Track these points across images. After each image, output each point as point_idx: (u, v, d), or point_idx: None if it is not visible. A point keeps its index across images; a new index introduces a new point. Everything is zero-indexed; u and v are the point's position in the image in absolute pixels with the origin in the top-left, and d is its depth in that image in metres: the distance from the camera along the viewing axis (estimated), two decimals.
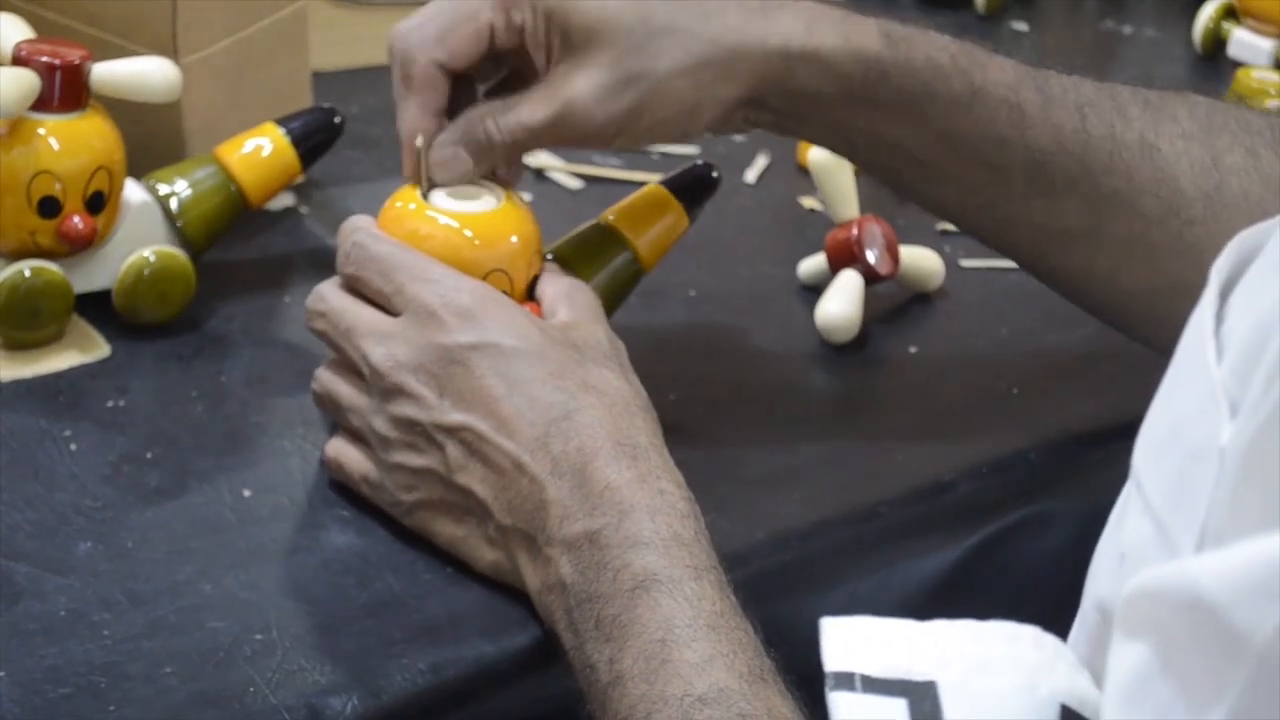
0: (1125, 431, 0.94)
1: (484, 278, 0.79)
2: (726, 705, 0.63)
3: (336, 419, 0.80)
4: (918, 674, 0.57)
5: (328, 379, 0.80)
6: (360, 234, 0.80)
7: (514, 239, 0.82)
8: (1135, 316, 0.87)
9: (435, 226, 0.81)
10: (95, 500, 0.78)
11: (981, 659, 0.58)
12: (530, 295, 0.83)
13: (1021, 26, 1.55)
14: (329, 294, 0.80)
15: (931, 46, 0.84)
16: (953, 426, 0.93)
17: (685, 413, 0.90)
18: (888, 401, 0.95)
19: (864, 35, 0.83)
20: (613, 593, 0.68)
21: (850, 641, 0.59)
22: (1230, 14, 1.50)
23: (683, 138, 0.86)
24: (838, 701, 0.56)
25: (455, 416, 0.74)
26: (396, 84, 0.84)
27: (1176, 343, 0.56)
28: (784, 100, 0.84)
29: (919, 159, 0.86)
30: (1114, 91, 0.87)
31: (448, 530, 0.76)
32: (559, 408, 0.73)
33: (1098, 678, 0.57)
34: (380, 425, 0.77)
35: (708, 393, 0.93)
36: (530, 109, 0.82)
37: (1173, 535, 0.52)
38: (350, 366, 0.79)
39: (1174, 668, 0.48)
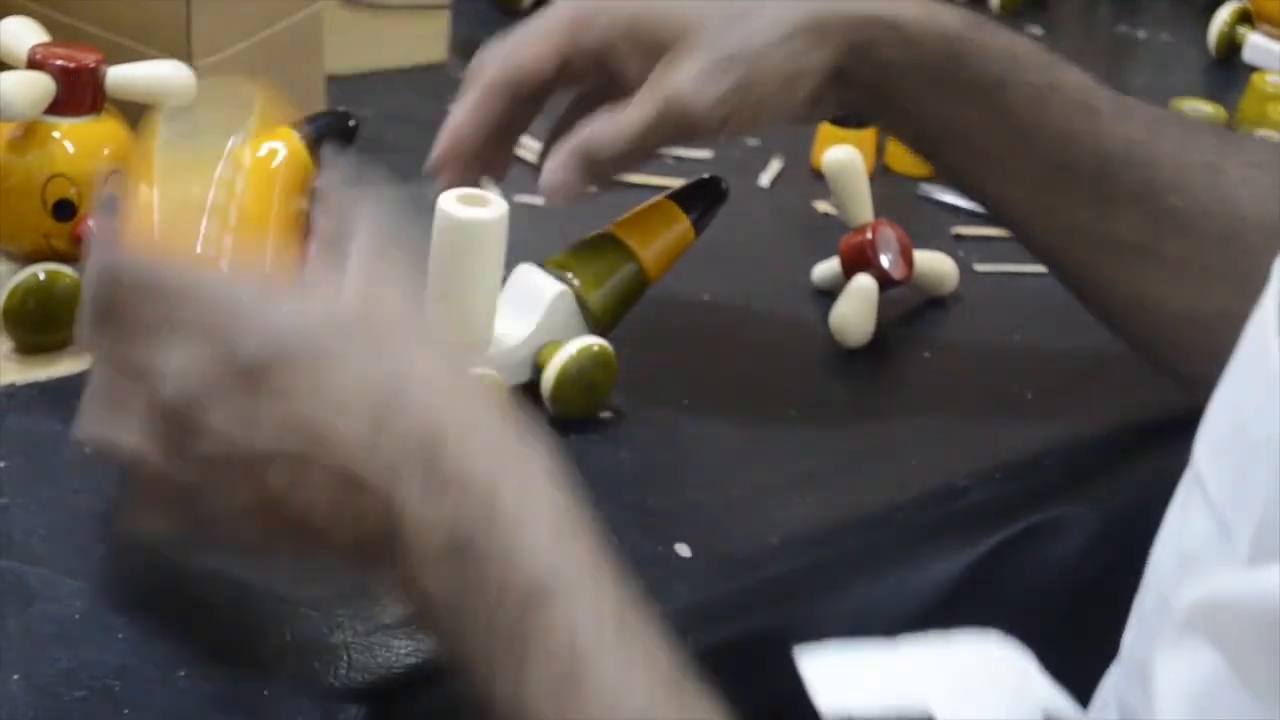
0: (1140, 436, 0.94)
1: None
2: None
3: (130, 472, 0.67)
4: (911, 707, 0.57)
5: (108, 426, 0.67)
6: (106, 256, 0.67)
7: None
8: (1176, 342, 0.87)
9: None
10: (109, 504, 0.78)
11: (965, 681, 0.58)
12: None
13: (1036, 31, 1.54)
14: (91, 331, 0.67)
15: (1013, 39, 0.85)
16: (967, 431, 0.93)
17: (699, 417, 0.90)
18: (902, 406, 0.95)
19: (944, 14, 0.84)
20: (498, 609, 0.60)
21: (836, 680, 0.58)
22: (1245, 18, 1.50)
23: (785, 115, 0.85)
24: None
25: (264, 442, 0.62)
26: (460, 93, 0.85)
27: (1208, 376, 0.55)
28: (870, 72, 0.84)
29: (988, 152, 0.86)
30: (1183, 116, 0.87)
31: (290, 567, 0.69)
32: (383, 392, 0.62)
33: (1147, 659, 0.56)
34: (187, 472, 0.65)
35: (721, 397, 0.92)
36: (634, 111, 0.82)
37: (1233, 531, 0.52)
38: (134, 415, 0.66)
39: (1247, 677, 0.48)
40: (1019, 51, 0.85)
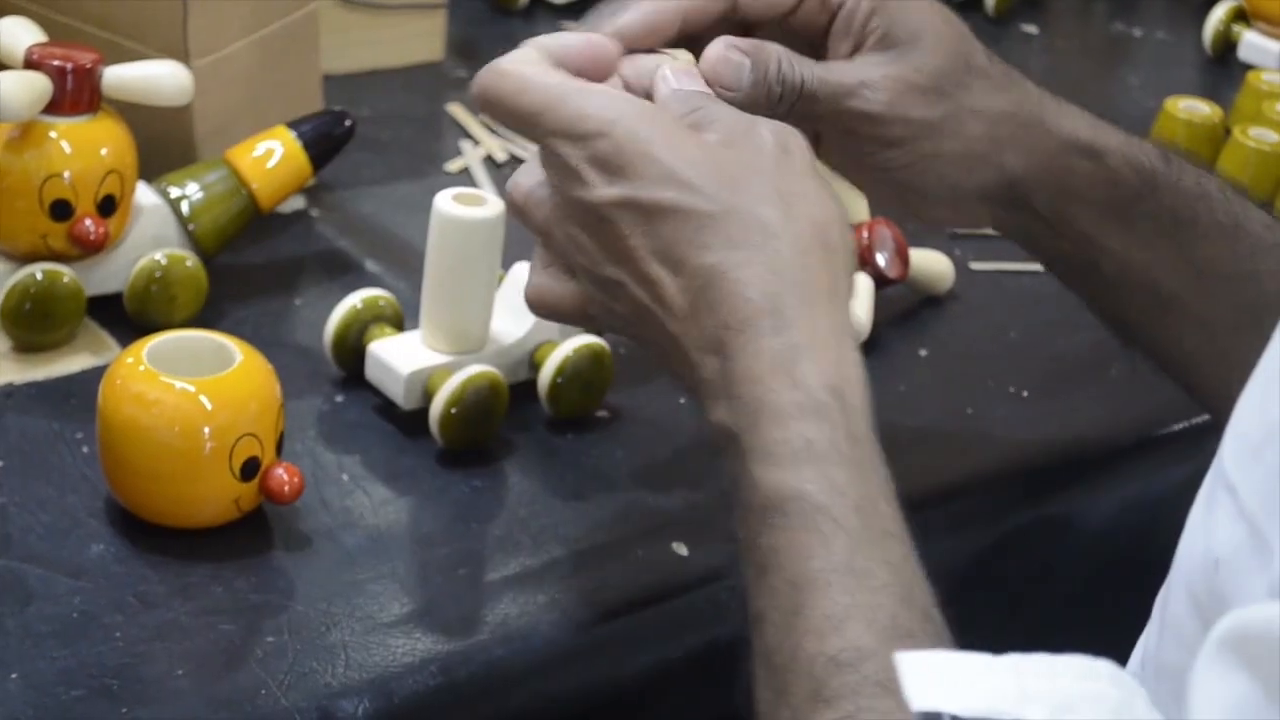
0: (1135, 435, 0.94)
1: (232, 446, 0.75)
2: (862, 670, 0.58)
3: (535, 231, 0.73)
4: (1003, 712, 0.56)
5: (544, 212, 0.72)
6: (488, 76, 0.71)
7: (258, 400, 0.76)
8: None
9: (168, 393, 0.75)
10: (107, 503, 0.78)
11: (1064, 697, 0.56)
12: (279, 449, 0.77)
13: (1031, 29, 1.54)
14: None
15: (1200, 174, 0.82)
16: (963, 429, 0.93)
17: (695, 415, 0.90)
18: (898, 404, 0.95)
19: (1141, 146, 0.81)
20: (749, 506, 0.63)
21: (932, 678, 0.57)
22: (1241, 16, 1.50)
23: (941, 189, 0.80)
24: None
25: (608, 272, 0.69)
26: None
27: None
28: (1049, 198, 0.80)
29: (1167, 292, 0.81)
30: None
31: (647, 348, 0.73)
32: (705, 273, 0.66)
33: (1184, 671, 0.56)
34: (571, 255, 0.71)
35: None
36: (828, 69, 0.77)
37: (1268, 540, 0.52)
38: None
39: (1276, 709, 0.48)
40: (1209, 189, 0.81)
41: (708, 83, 0.74)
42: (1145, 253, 0.81)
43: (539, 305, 0.74)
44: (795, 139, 0.70)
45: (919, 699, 0.55)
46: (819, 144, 0.80)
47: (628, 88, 0.74)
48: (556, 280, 0.73)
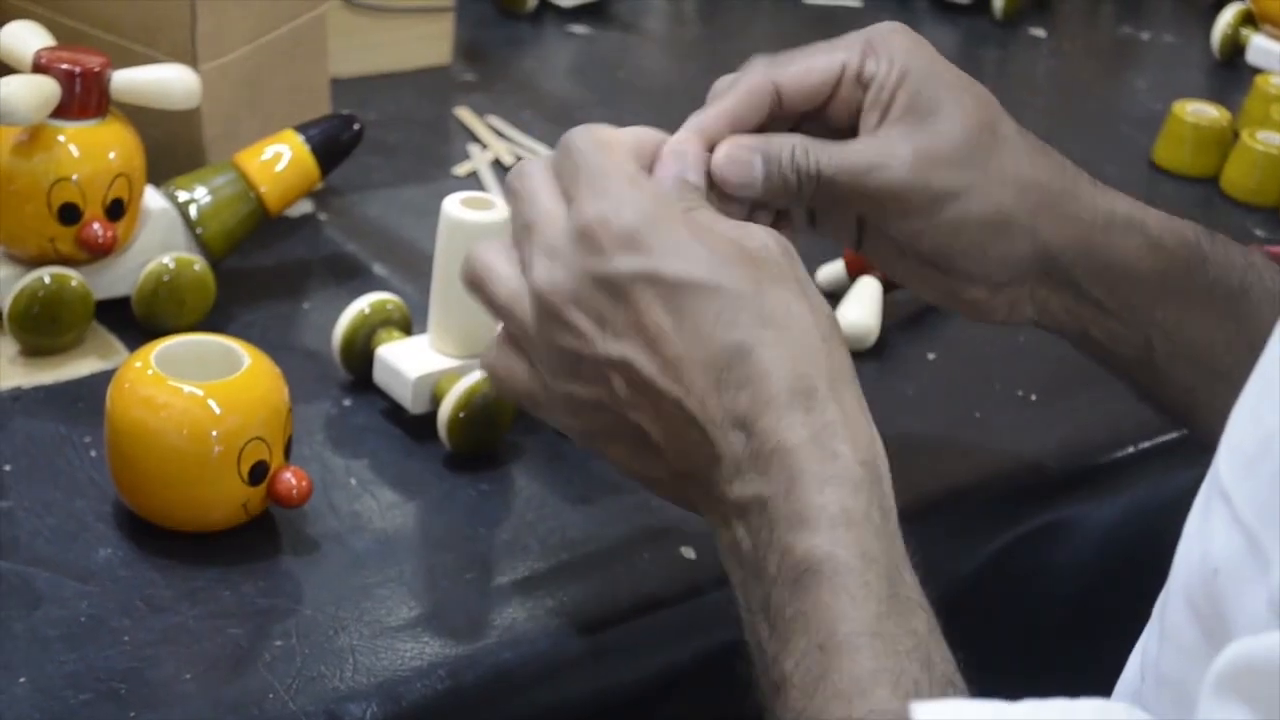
0: (1144, 440, 0.94)
1: (240, 450, 0.74)
2: None
3: (496, 315, 0.72)
4: None
5: (507, 289, 0.71)
6: (578, 130, 0.71)
7: (266, 404, 0.76)
8: None
9: (176, 396, 0.75)
10: (115, 506, 0.78)
11: None
12: (287, 454, 0.78)
13: (1039, 33, 1.54)
14: (532, 171, 0.71)
15: (1240, 247, 0.81)
16: (971, 433, 0.93)
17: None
18: (906, 408, 0.95)
19: (1182, 223, 0.80)
20: (778, 578, 0.63)
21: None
22: (1249, 20, 1.50)
23: (977, 272, 0.78)
24: None
25: (617, 352, 0.67)
26: (724, 85, 0.78)
27: None
28: (1095, 275, 0.79)
29: (1223, 369, 0.79)
30: None
31: (623, 458, 0.71)
32: (730, 350, 0.66)
33: (1184, 681, 0.56)
34: (543, 348, 0.70)
35: None
36: (846, 151, 0.76)
37: (1265, 549, 0.52)
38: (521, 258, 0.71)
39: None
40: (1254, 259, 0.80)
41: (719, 184, 0.75)
42: (1201, 326, 0.80)
43: (500, 383, 0.73)
44: (787, 243, 0.70)
45: None
46: (860, 231, 0.80)
47: None
48: (516, 359, 0.72)
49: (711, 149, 0.75)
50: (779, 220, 0.79)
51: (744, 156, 0.75)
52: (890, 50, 0.77)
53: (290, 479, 0.76)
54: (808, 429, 0.65)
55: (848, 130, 0.78)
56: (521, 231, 0.70)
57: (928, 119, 0.76)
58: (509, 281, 0.70)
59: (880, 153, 0.76)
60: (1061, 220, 0.78)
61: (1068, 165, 0.80)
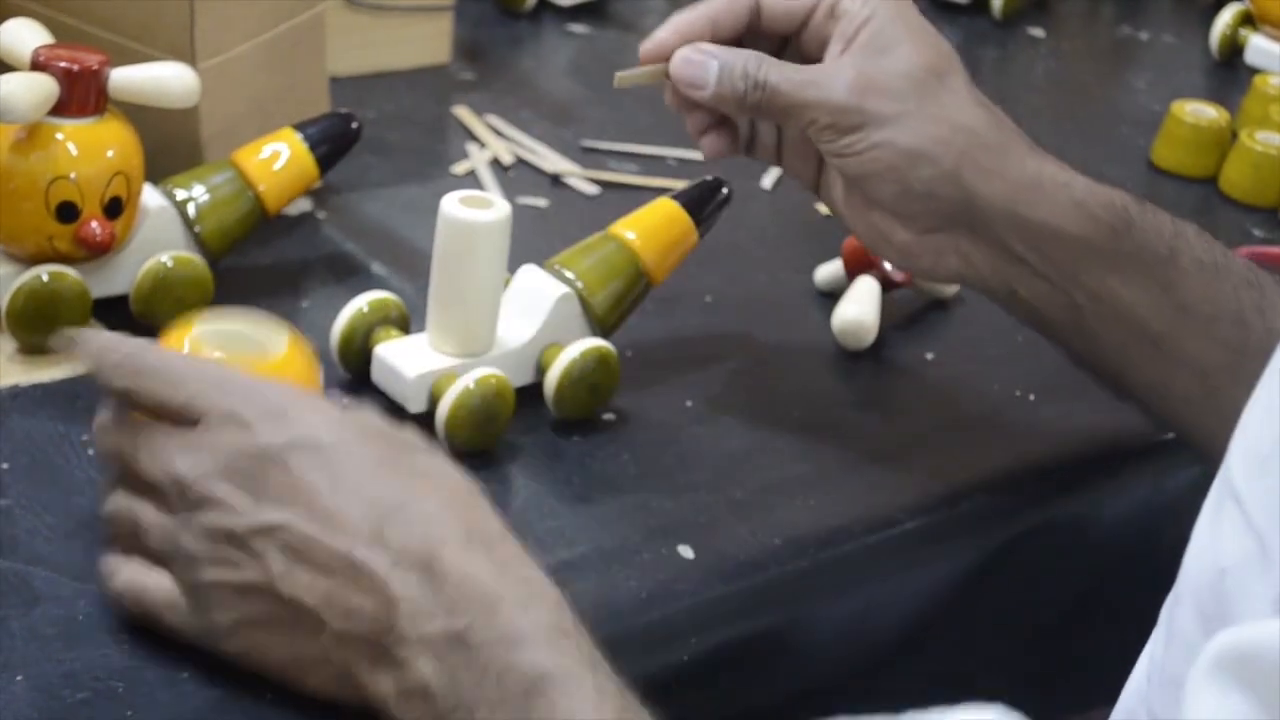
0: (1141, 441, 0.94)
1: None
2: None
3: (132, 547, 0.70)
4: None
5: (125, 501, 0.70)
6: (128, 345, 0.71)
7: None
8: None
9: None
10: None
11: None
12: None
13: (1038, 33, 1.54)
14: (116, 412, 0.71)
15: (1173, 217, 0.82)
16: (969, 434, 0.93)
17: (701, 419, 0.90)
18: (904, 408, 0.95)
19: (1111, 190, 0.82)
20: (498, 699, 0.61)
21: None
22: (1247, 20, 1.50)
23: (900, 205, 0.82)
24: None
25: (272, 516, 0.65)
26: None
27: None
28: (1018, 231, 0.81)
29: (1151, 332, 0.82)
30: None
31: (276, 650, 0.67)
32: (392, 499, 0.65)
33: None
34: (188, 542, 0.67)
35: (724, 399, 0.92)
36: (797, 70, 0.82)
37: (1270, 550, 0.52)
38: (148, 487, 0.69)
39: None
40: (1184, 228, 0.82)
41: (674, 81, 0.82)
42: (1127, 289, 0.81)
43: (134, 601, 0.69)
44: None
45: None
46: (780, 142, 0.87)
47: None
48: (149, 572, 0.69)
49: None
50: (722, 128, 0.86)
51: (699, 59, 0.82)
52: None
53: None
54: (491, 561, 0.64)
55: (814, 61, 0.84)
56: (141, 455, 0.69)
57: (882, 53, 0.81)
58: (147, 504, 0.69)
59: (825, 73, 0.82)
60: (988, 173, 0.81)
61: (1007, 125, 0.83)
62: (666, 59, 0.83)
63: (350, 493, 0.65)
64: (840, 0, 0.83)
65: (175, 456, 0.67)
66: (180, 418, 0.68)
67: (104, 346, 0.71)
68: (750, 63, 0.81)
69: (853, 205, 0.85)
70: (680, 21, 0.83)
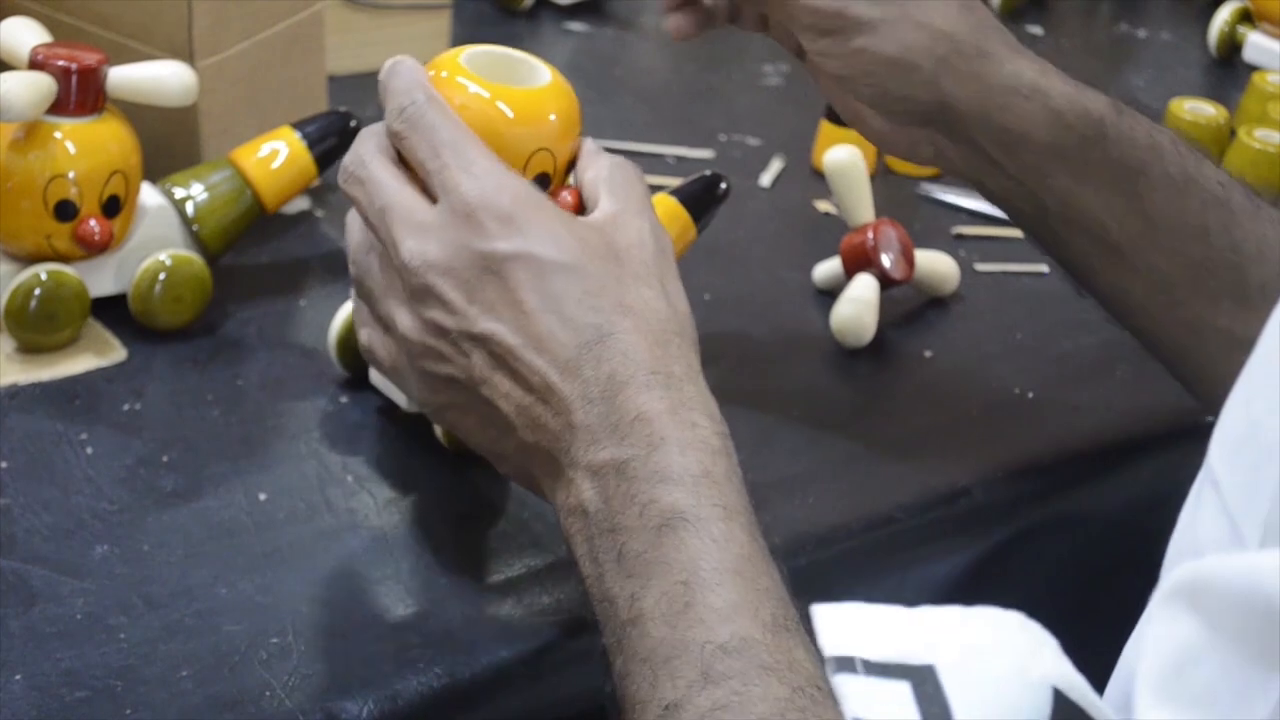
0: (1141, 436, 0.94)
1: (527, 159, 0.76)
2: (748, 655, 0.61)
3: (367, 303, 0.77)
4: (915, 658, 0.58)
5: (364, 263, 0.76)
6: (419, 92, 0.74)
7: (553, 117, 0.77)
8: None
9: (468, 97, 0.76)
10: (111, 504, 0.78)
11: (974, 644, 0.59)
12: (568, 174, 0.79)
13: (1036, 30, 1.55)
14: (370, 159, 0.75)
15: (1154, 127, 0.83)
16: (968, 431, 0.93)
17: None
18: (903, 406, 0.95)
19: (1092, 96, 0.82)
20: (638, 527, 0.65)
21: (845, 627, 0.59)
22: (1246, 18, 1.50)
23: (879, 105, 0.84)
24: (844, 684, 0.57)
25: (484, 325, 0.70)
26: None
27: None
28: (988, 134, 0.82)
29: (1114, 240, 0.83)
30: None
31: (475, 432, 0.74)
32: (592, 330, 0.70)
33: None
34: (406, 325, 0.73)
35: (722, 396, 0.92)
36: None
37: (1242, 533, 0.52)
38: (381, 248, 0.74)
39: (1219, 653, 0.49)
40: (1160, 141, 0.83)
41: None
42: (1094, 198, 0.83)
43: (369, 355, 0.78)
44: (667, 240, 0.75)
45: (832, 645, 0.58)
46: (767, 29, 0.89)
47: None
48: (383, 339, 0.76)
49: None
50: (691, 7, 0.89)
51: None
52: None
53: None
54: (666, 402, 0.68)
55: None
56: (377, 217, 0.73)
57: None
58: (380, 268, 0.75)
59: None
60: (965, 77, 0.82)
61: (989, 25, 0.84)
62: None
63: (556, 315, 0.70)
64: None
65: (406, 237, 0.72)
66: (426, 182, 0.73)
67: (399, 89, 0.74)
68: None
69: (831, 89, 0.86)
70: None
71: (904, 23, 0.81)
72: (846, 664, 0.58)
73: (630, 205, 0.75)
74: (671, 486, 0.66)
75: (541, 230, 0.71)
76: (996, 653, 0.59)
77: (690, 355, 0.72)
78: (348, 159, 0.75)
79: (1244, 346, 0.77)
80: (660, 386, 0.69)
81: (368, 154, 0.75)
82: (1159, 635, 0.52)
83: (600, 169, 0.77)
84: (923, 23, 0.82)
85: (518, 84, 0.78)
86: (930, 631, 0.59)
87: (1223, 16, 1.50)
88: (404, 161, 0.75)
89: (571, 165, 0.79)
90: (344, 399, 0.88)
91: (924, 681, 0.58)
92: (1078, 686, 0.59)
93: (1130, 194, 0.82)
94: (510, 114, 0.76)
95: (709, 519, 0.65)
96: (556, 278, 0.70)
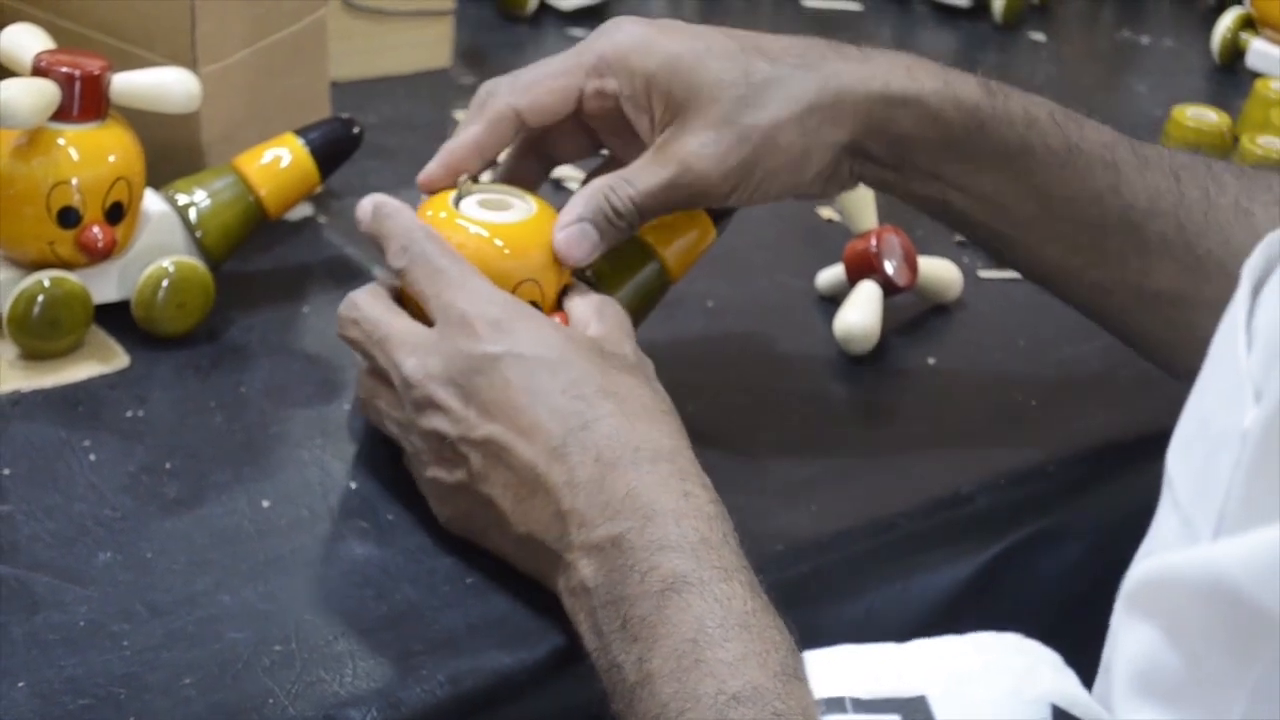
0: (1143, 443, 0.94)
1: (515, 288, 0.80)
2: (760, 703, 0.62)
3: (378, 425, 0.81)
4: (906, 691, 0.58)
5: (370, 386, 0.80)
6: (417, 233, 0.79)
7: (543, 250, 0.82)
8: None
9: (467, 236, 0.80)
10: (114, 511, 0.78)
11: (966, 670, 0.60)
12: (559, 307, 0.83)
13: (1039, 37, 1.55)
14: (362, 301, 0.80)
15: (1029, 101, 0.85)
16: (971, 438, 0.93)
17: (703, 423, 0.90)
18: (906, 413, 0.95)
19: (963, 83, 0.84)
20: (640, 594, 0.67)
21: (834, 669, 0.60)
22: (1248, 24, 1.50)
23: (794, 189, 0.85)
24: None
25: (482, 430, 0.74)
26: (468, 115, 0.85)
27: None
28: (885, 147, 0.84)
29: (1016, 217, 0.86)
30: (1207, 160, 0.87)
31: (483, 535, 0.76)
32: (577, 417, 0.73)
33: None
34: (415, 439, 0.77)
35: (726, 403, 0.92)
36: (648, 174, 0.83)
37: (1194, 525, 0.53)
38: (384, 375, 0.79)
39: (1184, 649, 0.50)
40: (1038, 114, 0.85)
41: (562, 262, 0.82)
42: (988, 185, 0.85)
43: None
44: (650, 364, 0.80)
45: (822, 688, 0.60)
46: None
47: None
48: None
49: (462, 174, 0.84)
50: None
51: (575, 230, 0.82)
52: (625, 63, 0.83)
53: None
54: (656, 475, 0.71)
55: (617, 130, 0.86)
56: (376, 347, 0.78)
57: (691, 106, 0.82)
58: (386, 393, 0.79)
59: (669, 161, 0.82)
60: (843, 119, 0.83)
61: (828, 60, 0.84)
62: (442, 188, 0.84)
63: (544, 408, 0.73)
64: (604, 84, 0.84)
65: (405, 358, 0.76)
66: (424, 309, 0.78)
67: (397, 230, 0.79)
68: (609, 195, 0.82)
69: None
70: (447, 154, 0.84)
71: (771, 134, 0.82)
72: (836, 705, 0.59)
73: (616, 333, 0.79)
74: (670, 553, 0.68)
75: (529, 333, 0.75)
76: (989, 676, 0.59)
77: (676, 431, 0.74)
78: (340, 309, 0.80)
79: (1151, 299, 0.81)
80: (648, 461, 0.71)
81: (359, 299, 0.80)
82: (1124, 639, 0.53)
83: (590, 301, 0.81)
84: (783, 119, 0.82)
85: (505, 216, 0.82)
86: (921, 664, 0.60)
87: (1225, 23, 1.50)
88: (401, 303, 0.80)
89: (562, 299, 0.83)
90: (347, 405, 0.88)
91: (915, 712, 0.58)
92: (1079, 701, 0.60)
93: (1019, 173, 0.85)
94: (503, 246, 0.81)
95: (710, 580, 0.67)
96: (543, 373, 0.74)
